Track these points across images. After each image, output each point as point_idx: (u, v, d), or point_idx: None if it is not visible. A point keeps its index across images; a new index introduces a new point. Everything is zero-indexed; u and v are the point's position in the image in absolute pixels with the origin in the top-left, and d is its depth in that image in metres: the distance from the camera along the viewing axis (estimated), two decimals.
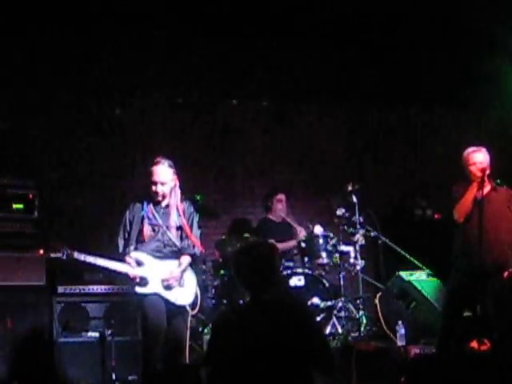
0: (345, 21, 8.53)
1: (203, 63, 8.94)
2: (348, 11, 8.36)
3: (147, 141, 9.19)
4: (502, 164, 7.01)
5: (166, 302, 6.31)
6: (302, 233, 8.72)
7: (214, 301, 8.34)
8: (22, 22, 7.90)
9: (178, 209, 6.48)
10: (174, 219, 6.45)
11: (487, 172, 6.62)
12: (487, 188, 6.64)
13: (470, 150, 6.82)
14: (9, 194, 7.54)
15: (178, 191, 6.52)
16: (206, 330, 7.83)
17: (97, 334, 6.91)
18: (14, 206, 7.53)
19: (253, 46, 8.91)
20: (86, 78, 8.76)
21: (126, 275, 6.31)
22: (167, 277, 6.31)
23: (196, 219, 6.63)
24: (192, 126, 9.56)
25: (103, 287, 7.68)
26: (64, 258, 6.28)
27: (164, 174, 6.42)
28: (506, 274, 6.61)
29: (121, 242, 6.43)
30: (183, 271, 6.44)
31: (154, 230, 6.41)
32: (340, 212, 8.30)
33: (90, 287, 7.65)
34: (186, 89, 9.33)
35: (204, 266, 8.46)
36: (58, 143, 8.94)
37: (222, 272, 8.36)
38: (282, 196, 9.01)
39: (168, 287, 6.31)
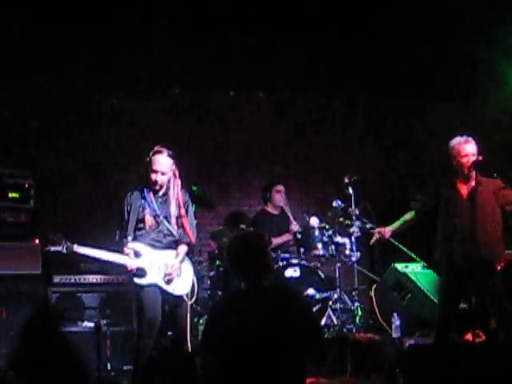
0: (340, 11, 8.54)
1: (201, 54, 8.92)
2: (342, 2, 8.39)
3: (143, 131, 9.18)
4: (498, 157, 6.96)
5: (165, 292, 6.31)
6: (296, 227, 8.70)
7: (209, 291, 8.35)
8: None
9: (178, 198, 6.48)
10: (174, 208, 6.45)
11: (471, 167, 6.31)
12: (473, 183, 6.34)
13: (462, 140, 6.47)
14: (5, 182, 7.51)
15: (179, 181, 6.51)
16: (201, 321, 7.83)
17: (92, 324, 6.91)
18: (10, 194, 7.51)
19: (249, 37, 8.90)
20: (83, 68, 8.76)
21: (124, 266, 6.30)
22: (168, 270, 6.31)
23: (191, 208, 6.64)
24: (189, 117, 9.55)
25: (99, 277, 7.69)
26: (64, 251, 6.24)
27: (165, 164, 6.41)
28: (498, 267, 6.49)
29: (118, 231, 6.42)
30: (181, 261, 6.44)
31: (155, 220, 6.40)
32: (336, 204, 8.31)
33: (86, 277, 7.66)
34: (183, 79, 9.32)
35: (200, 257, 8.48)
36: (56, 133, 8.92)
37: (217, 263, 8.35)
38: (280, 187, 8.98)
39: (169, 281, 6.32)
